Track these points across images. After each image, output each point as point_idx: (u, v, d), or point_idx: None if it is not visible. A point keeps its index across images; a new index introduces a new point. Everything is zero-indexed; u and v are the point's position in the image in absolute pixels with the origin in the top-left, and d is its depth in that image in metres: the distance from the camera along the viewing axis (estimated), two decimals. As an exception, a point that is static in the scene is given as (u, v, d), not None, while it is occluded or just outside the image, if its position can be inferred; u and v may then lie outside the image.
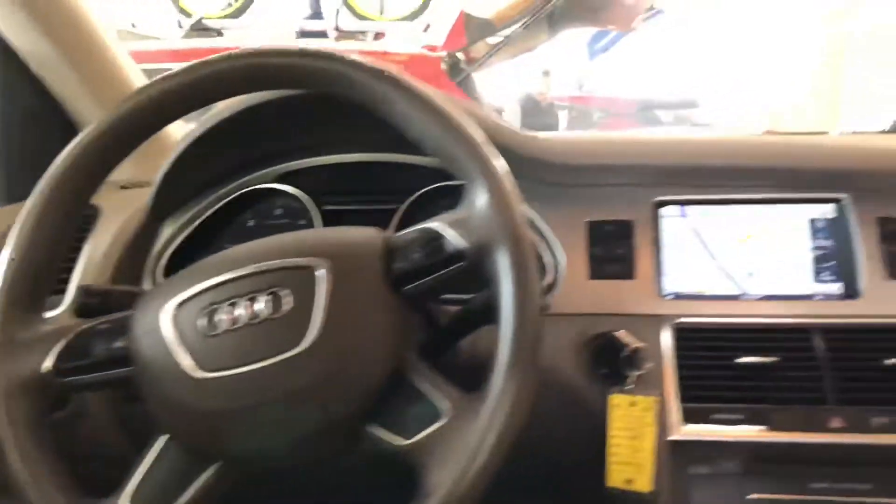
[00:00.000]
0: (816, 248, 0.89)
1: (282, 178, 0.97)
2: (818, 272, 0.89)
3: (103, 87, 1.05)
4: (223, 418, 0.59)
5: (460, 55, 3.66)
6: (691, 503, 0.78)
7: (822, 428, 0.77)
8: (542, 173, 0.90)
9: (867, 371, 0.79)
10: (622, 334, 0.79)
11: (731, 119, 6.91)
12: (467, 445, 0.55)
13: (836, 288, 0.88)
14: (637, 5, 3.81)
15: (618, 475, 0.77)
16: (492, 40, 3.68)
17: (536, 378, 0.58)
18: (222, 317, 0.60)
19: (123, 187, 1.07)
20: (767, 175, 0.90)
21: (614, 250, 0.89)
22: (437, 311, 0.78)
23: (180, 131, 1.02)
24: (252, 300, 0.60)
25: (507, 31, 3.61)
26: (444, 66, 3.60)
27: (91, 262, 0.90)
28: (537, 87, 8.20)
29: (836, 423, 0.77)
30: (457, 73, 3.62)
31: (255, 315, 0.60)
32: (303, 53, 0.66)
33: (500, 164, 0.63)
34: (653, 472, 0.76)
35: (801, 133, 1.07)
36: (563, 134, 0.93)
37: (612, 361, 0.79)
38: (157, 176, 0.90)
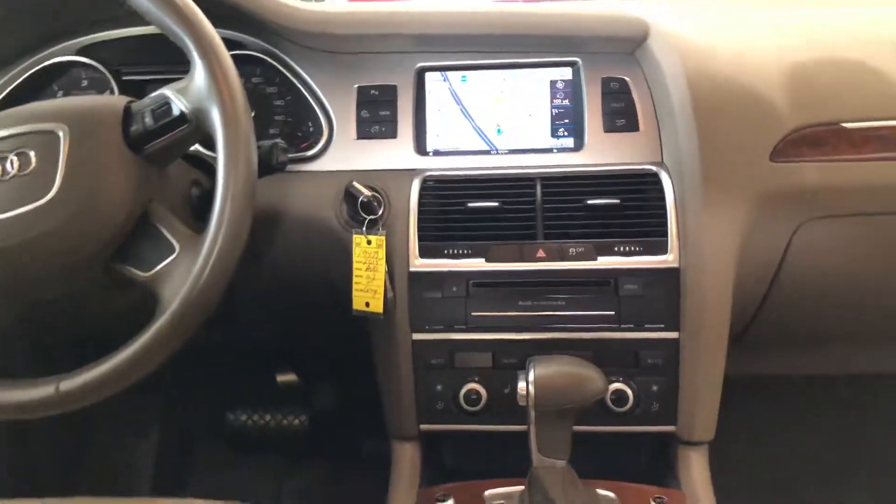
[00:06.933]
0: (555, 107, 1.02)
1: (83, 51, 1.04)
2: (555, 129, 1.02)
3: None
4: None
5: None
6: (426, 321, 0.95)
7: (531, 258, 0.93)
8: (307, 41, 0.99)
9: (573, 211, 0.94)
10: (357, 185, 0.92)
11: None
12: (192, 269, 0.69)
13: (570, 142, 1.02)
14: None
15: (359, 301, 0.93)
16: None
17: (248, 216, 0.71)
18: None
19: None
20: (515, 41, 1.01)
21: (379, 113, 1.01)
22: None
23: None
24: (2, 161, 0.72)
25: None
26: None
27: None
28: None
29: (541, 254, 0.93)
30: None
31: (5, 173, 0.71)
32: None
33: (215, 41, 0.74)
34: (383, 297, 0.92)
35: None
36: (329, 6, 1.01)
37: (353, 208, 0.93)
38: None
